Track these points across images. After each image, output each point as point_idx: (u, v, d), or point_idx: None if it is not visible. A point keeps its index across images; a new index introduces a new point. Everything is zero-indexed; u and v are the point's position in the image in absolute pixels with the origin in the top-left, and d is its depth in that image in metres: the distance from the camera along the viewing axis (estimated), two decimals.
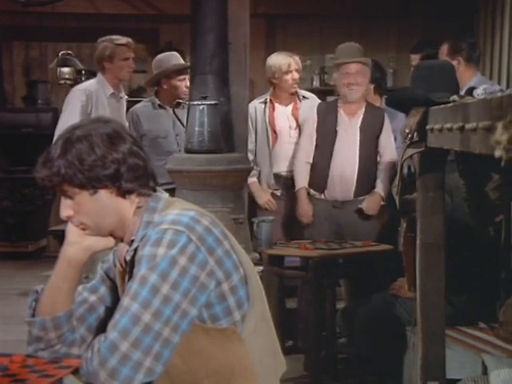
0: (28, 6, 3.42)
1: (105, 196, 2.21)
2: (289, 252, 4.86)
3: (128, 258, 2.23)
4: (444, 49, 4.76)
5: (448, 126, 2.69)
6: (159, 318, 2.08)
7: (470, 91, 3.22)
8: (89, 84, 5.57)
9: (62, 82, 8.29)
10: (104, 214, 2.24)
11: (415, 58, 5.46)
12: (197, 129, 4.25)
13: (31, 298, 2.34)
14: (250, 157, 5.47)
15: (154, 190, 2.29)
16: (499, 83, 6.09)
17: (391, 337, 4.36)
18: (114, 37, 5.28)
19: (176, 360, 2.15)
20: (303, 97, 5.77)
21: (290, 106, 5.71)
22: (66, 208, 2.23)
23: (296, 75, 5.61)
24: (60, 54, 8.35)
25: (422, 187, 3.36)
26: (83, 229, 2.24)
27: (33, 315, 2.29)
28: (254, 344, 2.26)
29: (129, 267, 2.23)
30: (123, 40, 5.29)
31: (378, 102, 5.93)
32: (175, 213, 2.20)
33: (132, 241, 2.24)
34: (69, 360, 2.22)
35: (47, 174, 2.19)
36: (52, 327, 2.26)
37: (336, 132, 5.21)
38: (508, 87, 5.73)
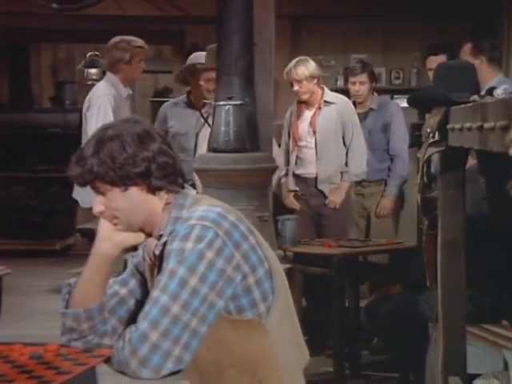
0: (61, 12, 3.46)
1: (135, 193, 2.27)
2: (313, 250, 4.92)
3: (157, 252, 2.29)
4: (467, 48, 4.76)
5: (467, 125, 2.72)
6: (187, 310, 2.14)
7: (491, 91, 3.23)
8: (106, 88, 5.50)
9: (89, 82, 8.36)
10: (134, 210, 2.29)
11: (433, 61, 5.34)
12: (223, 128, 4.28)
13: (64, 290, 2.40)
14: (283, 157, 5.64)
15: (183, 187, 2.34)
16: None
17: (414, 333, 4.37)
18: (128, 38, 5.32)
19: (203, 350, 2.19)
20: (326, 102, 5.71)
21: (312, 112, 5.73)
22: (98, 204, 2.29)
23: (296, 87, 5.63)
24: (87, 56, 8.44)
25: (443, 185, 3.37)
26: (115, 224, 2.30)
27: (66, 307, 2.34)
28: (278, 335, 2.30)
29: (158, 261, 2.29)
30: (139, 42, 5.34)
31: (374, 95, 6.10)
32: (203, 209, 2.25)
33: (161, 236, 2.29)
34: (101, 350, 2.26)
35: (80, 172, 2.26)
36: (85, 318, 2.31)
37: (197, 136, 5.25)
38: None
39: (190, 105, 5.62)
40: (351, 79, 6.11)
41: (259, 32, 4.59)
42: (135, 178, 2.25)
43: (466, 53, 4.70)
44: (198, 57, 5.58)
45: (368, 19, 7.90)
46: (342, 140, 5.66)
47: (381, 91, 8.03)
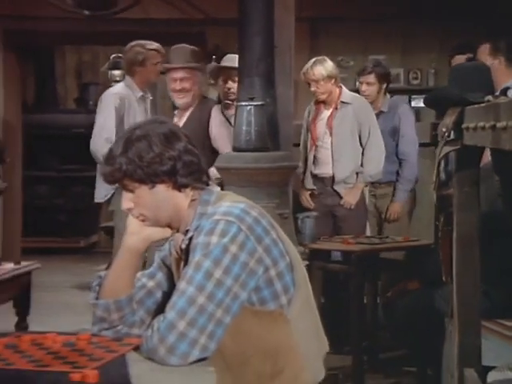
0: (92, 18, 3.52)
1: (162, 190, 2.32)
2: (332, 246, 4.95)
3: (183, 246, 2.34)
4: (485, 48, 4.76)
5: (481, 124, 2.74)
6: (212, 300, 2.19)
7: (505, 91, 3.27)
8: (120, 88, 5.64)
9: (113, 84, 8.43)
10: (161, 207, 2.34)
11: (459, 59, 5.37)
12: (244, 128, 4.31)
13: (95, 282, 2.45)
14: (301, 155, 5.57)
15: (207, 184, 2.39)
16: None
17: (430, 328, 4.38)
18: (144, 42, 5.40)
19: (227, 339, 2.24)
20: (342, 102, 5.61)
21: (330, 112, 5.65)
22: (127, 201, 2.35)
23: (313, 87, 5.51)
24: (111, 58, 8.52)
25: (458, 183, 3.37)
26: (142, 220, 2.35)
27: (97, 298, 2.40)
28: (299, 326, 2.34)
29: (184, 255, 2.34)
30: (154, 45, 5.42)
31: (386, 97, 5.99)
32: (227, 205, 2.30)
33: (187, 231, 2.34)
34: (130, 339, 2.31)
35: (110, 170, 2.32)
36: (114, 309, 2.36)
37: None
38: None
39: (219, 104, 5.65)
40: (359, 79, 6.05)
41: (280, 34, 4.61)
42: (162, 176, 2.30)
43: (483, 53, 4.68)
44: (230, 59, 5.55)
45: (386, 21, 7.88)
46: (358, 140, 5.60)
47: (399, 91, 8.04)
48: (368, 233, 5.80)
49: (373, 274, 5.07)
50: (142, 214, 2.35)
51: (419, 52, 8.10)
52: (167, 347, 2.17)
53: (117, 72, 8.46)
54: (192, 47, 5.14)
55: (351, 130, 5.57)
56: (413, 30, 8.02)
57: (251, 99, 4.33)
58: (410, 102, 8.21)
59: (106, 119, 5.25)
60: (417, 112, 7.72)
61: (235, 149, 4.34)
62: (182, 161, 2.32)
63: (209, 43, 8.24)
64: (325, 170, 5.58)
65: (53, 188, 10.01)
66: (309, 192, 5.67)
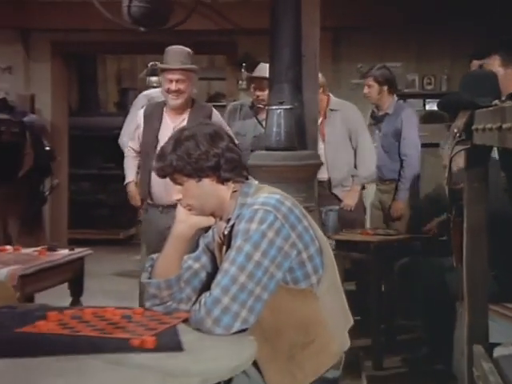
0: (147, 33, 3.59)
1: (207, 183, 2.42)
2: (353, 237, 4.98)
3: (226, 232, 2.44)
4: (495, 59, 4.78)
5: (489, 126, 2.82)
6: (252, 279, 2.27)
7: (511, 96, 3.34)
8: (153, 91, 5.70)
9: (150, 89, 8.53)
10: (207, 198, 2.44)
11: (475, 64, 5.16)
12: (275, 129, 4.28)
13: (148, 264, 2.56)
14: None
15: (247, 178, 2.49)
16: None
17: (443, 311, 4.37)
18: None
19: (265, 313, 2.31)
20: (331, 109, 5.44)
21: (320, 120, 5.31)
22: (176, 193, 2.45)
23: None
24: (149, 65, 8.61)
25: (468, 179, 3.40)
26: (189, 210, 2.45)
27: (149, 278, 2.50)
28: (327, 302, 2.42)
29: (226, 240, 2.43)
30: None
31: (391, 100, 5.82)
32: (264, 196, 2.40)
33: (229, 219, 2.44)
34: (178, 313, 2.45)
35: (162, 166, 2.43)
36: (165, 287, 2.47)
37: (157, 139, 4.64)
38: None
39: (251, 108, 5.60)
40: (364, 82, 5.93)
41: (306, 45, 4.56)
42: (207, 171, 2.40)
43: (494, 63, 4.73)
44: (261, 68, 5.48)
45: (402, 31, 7.85)
46: (350, 144, 5.45)
47: (414, 96, 8.02)
48: (368, 225, 5.82)
49: (389, 263, 5.03)
50: (189, 205, 2.45)
51: (433, 59, 8.04)
52: (213, 319, 2.24)
53: (154, 78, 8.49)
54: (187, 49, 4.78)
55: (342, 135, 5.44)
56: (427, 39, 7.96)
57: (281, 103, 4.31)
58: (424, 105, 8.21)
59: (132, 119, 5.23)
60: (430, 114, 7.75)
61: (266, 148, 4.32)
62: (224, 157, 2.40)
63: (239, 51, 8.24)
64: (320, 174, 5.17)
65: (95, 185, 10.13)
66: None
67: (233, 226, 2.40)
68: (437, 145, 6.16)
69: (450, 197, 3.71)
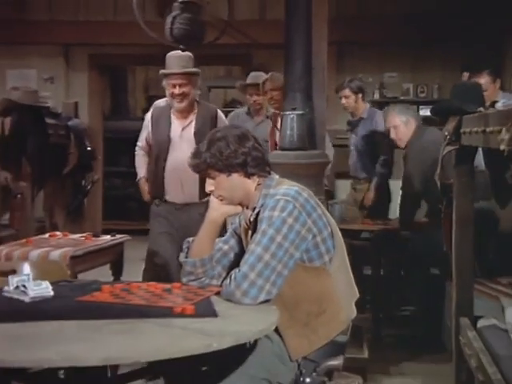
0: (185, 50, 3.61)
1: (236, 177, 2.49)
2: (356, 227, 5.03)
3: (251, 219, 2.50)
4: (485, 74, 4.75)
5: (475, 129, 2.93)
6: (275, 258, 2.33)
7: (493, 104, 3.44)
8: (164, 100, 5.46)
9: None
10: (235, 190, 2.51)
11: (465, 76, 5.15)
12: (288, 132, 4.28)
13: (185, 245, 2.63)
14: None
15: (269, 173, 2.55)
16: None
17: (435, 291, 4.55)
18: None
19: (285, 287, 2.37)
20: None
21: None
22: (209, 185, 2.53)
23: (270, 96, 5.20)
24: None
25: (457, 175, 3.52)
26: (221, 200, 2.53)
27: (186, 257, 2.59)
28: (337, 278, 2.48)
29: (252, 226, 2.49)
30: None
31: (365, 106, 5.77)
32: (285, 188, 2.46)
33: (254, 208, 2.50)
34: (211, 287, 2.53)
35: (197, 163, 2.51)
36: (199, 265, 2.56)
37: (170, 139, 4.37)
38: None
39: (248, 113, 5.55)
40: (339, 94, 5.81)
41: (315, 58, 4.55)
42: (236, 167, 2.47)
43: (484, 78, 4.71)
44: (253, 76, 5.52)
45: (399, 45, 7.85)
46: None
47: (409, 102, 7.90)
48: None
49: (388, 249, 5.05)
50: (220, 195, 2.53)
51: (425, 70, 8.05)
52: (242, 292, 2.31)
53: None
54: (188, 53, 4.39)
55: None
56: (420, 54, 7.94)
57: (294, 109, 4.31)
58: (418, 111, 8.21)
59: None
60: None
61: (281, 148, 4.32)
62: (251, 156, 2.47)
63: (254, 63, 8.22)
64: None
65: (125, 181, 10.14)
66: None
67: (257, 214, 2.45)
68: None
69: (442, 190, 3.80)
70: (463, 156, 3.49)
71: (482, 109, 3.21)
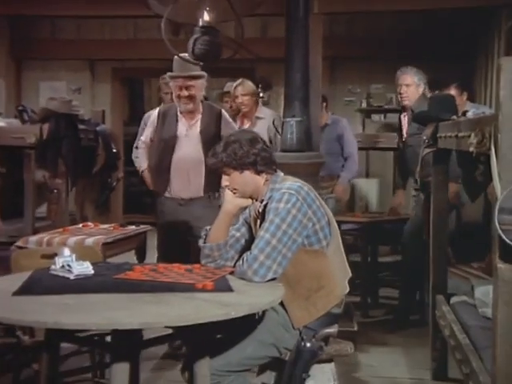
0: (204, 65, 3.60)
1: (247, 174, 2.56)
2: (347, 218, 5.05)
3: (260, 210, 2.57)
4: (454, 87, 4.89)
5: (449, 134, 3.07)
6: (280, 243, 2.40)
7: (465, 113, 3.53)
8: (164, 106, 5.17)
9: None
10: (247, 184, 2.58)
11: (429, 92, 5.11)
12: (288, 136, 4.28)
13: (203, 233, 2.69)
14: None
15: (276, 171, 2.63)
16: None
17: (416, 276, 4.58)
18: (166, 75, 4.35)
19: (289, 267, 2.44)
20: (257, 117, 5.05)
21: (247, 125, 5.05)
22: (225, 180, 2.60)
23: (240, 100, 5.02)
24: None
25: (434, 173, 3.62)
26: (234, 193, 2.59)
27: (204, 242, 2.66)
28: (334, 260, 2.55)
29: (261, 216, 2.55)
30: (165, 79, 4.51)
31: (329, 113, 5.66)
32: (289, 183, 2.54)
33: (262, 200, 2.56)
34: (226, 268, 2.60)
35: (215, 161, 2.58)
36: (216, 249, 2.62)
37: (176, 137, 4.06)
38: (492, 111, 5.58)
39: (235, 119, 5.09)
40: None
41: (312, 71, 4.54)
42: (248, 165, 2.55)
43: (452, 91, 4.81)
44: (229, 86, 5.36)
45: (383, 60, 7.81)
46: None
47: (392, 111, 7.92)
48: None
49: (375, 239, 5.11)
50: (234, 189, 2.59)
51: None
52: (252, 271, 2.39)
53: None
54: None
55: (268, 138, 5.02)
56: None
57: (293, 116, 4.32)
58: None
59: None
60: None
61: (282, 150, 4.31)
62: (260, 156, 2.55)
63: (256, 75, 8.25)
64: None
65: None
66: None
67: (265, 205, 2.51)
68: None
69: (421, 187, 3.92)
70: (439, 157, 3.59)
71: (455, 117, 3.28)
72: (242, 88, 5.12)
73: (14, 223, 4.24)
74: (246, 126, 5.00)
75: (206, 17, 2.94)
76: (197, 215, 3.89)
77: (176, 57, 3.83)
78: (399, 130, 4.95)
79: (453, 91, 4.75)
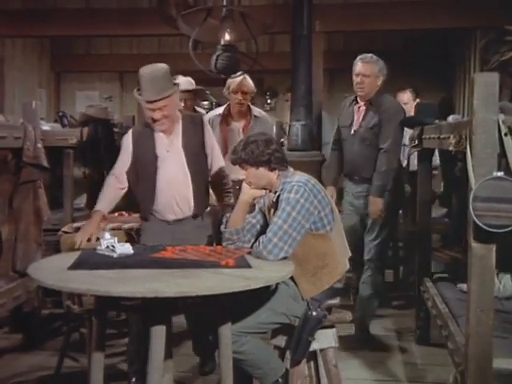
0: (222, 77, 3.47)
1: (262, 170, 2.60)
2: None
3: (274, 200, 2.61)
4: (407, 93, 4.81)
5: (432, 136, 3.17)
6: (291, 228, 2.46)
7: (445, 119, 3.59)
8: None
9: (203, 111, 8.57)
10: (261, 179, 2.62)
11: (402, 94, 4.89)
12: (294, 138, 4.36)
13: (224, 219, 2.75)
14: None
15: (287, 167, 2.65)
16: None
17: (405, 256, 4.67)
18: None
19: (298, 248, 2.49)
20: (255, 116, 3.97)
21: (242, 123, 3.97)
22: (242, 174, 2.65)
23: (242, 96, 3.88)
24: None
25: (420, 169, 3.72)
26: (250, 185, 2.65)
27: (225, 227, 2.72)
28: (336, 242, 2.59)
29: (274, 205, 2.59)
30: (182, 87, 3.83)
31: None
32: (298, 177, 2.58)
33: (275, 192, 2.60)
34: (244, 249, 2.66)
35: (235, 158, 2.63)
36: (235, 233, 2.68)
37: (157, 156, 3.09)
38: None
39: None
40: None
41: (314, 82, 4.67)
42: (263, 163, 2.58)
43: (408, 92, 4.83)
44: (184, 83, 3.91)
45: None
46: None
47: None
48: None
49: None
50: (250, 182, 2.63)
51: (394, 91, 8.06)
52: (267, 251, 2.45)
53: (205, 102, 8.65)
54: (163, 69, 2.98)
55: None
56: (390, 79, 8.02)
57: (298, 120, 4.39)
58: None
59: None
60: None
61: (289, 149, 4.34)
62: (274, 155, 2.59)
63: (264, 85, 8.27)
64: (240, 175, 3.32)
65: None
66: None
67: (278, 196, 2.55)
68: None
69: (408, 181, 3.98)
70: (424, 156, 3.69)
71: (437, 121, 3.31)
72: (246, 87, 3.99)
73: (55, 213, 4.36)
74: (242, 123, 3.97)
75: (227, 37, 3.03)
76: (187, 236, 3.03)
77: (143, 73, 2.92)
78: (350, 122, 3.85)
79: (408, 94, 4.75)
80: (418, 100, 4.73)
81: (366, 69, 3.75)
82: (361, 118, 3.79)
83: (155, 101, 2.92)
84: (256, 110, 4.04)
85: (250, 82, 3.92)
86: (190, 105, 4.04)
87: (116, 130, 4.98)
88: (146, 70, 2.92)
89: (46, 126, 4.54)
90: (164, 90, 2.91)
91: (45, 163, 3.78)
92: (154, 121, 3.01)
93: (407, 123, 3.77)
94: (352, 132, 3.81)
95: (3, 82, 7.24)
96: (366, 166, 3.70)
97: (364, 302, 3.80)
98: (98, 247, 2.66)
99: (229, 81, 3.85)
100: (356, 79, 3.79)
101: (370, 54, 3.78)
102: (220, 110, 3.96)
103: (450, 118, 3.42)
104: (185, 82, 3.89)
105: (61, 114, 4.89)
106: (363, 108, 3.81)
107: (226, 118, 3.96)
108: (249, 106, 3.99)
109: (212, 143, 3.16)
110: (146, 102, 2.93)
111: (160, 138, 3.10)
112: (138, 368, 3.04)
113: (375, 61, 3.77)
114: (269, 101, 8.90)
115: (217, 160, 3.16)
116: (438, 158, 4.21)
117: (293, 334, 2.49)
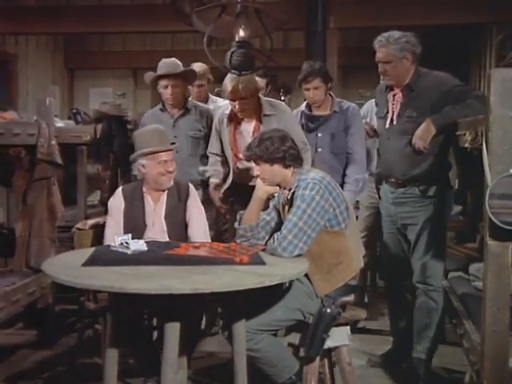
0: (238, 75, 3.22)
1: (277, 167, 2.61)
2: None
3: (288, 197, 2.62)
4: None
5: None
6: (306, 225, 2.47)
7: None
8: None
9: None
10: (275, 175, 2.63)
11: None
12: None
13: (238, 216, 2.78)
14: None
15: (301, 165, 2.67)
16: None
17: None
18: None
19: (313, 245, 2.51)
20: (264, 115, 3.43)
21: (253, 124, 3.48)
22: (256, 171, 2.68)
23: (240, 103, 3.35)
24: (215, 91, 8.79)
25: None
26: (264, 181, 2.66)
27: (239, 224, 2.75)
28: (351, 239, 2.60)
29: (289, 202, 2.61)
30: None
31: (335, 101, 4.37)
32: (313, 174, 2.59)
33: (290, 189, 2.61)
34: (258, 246, 2.68)
35: (250, 154, 2.65)
36: (249, 230, 2.71)
37: (145, 225, 3.02)
38: None
39: (164, 110, 3.82)
40: (304, 86, 3.74)
41: None
42: (277, 160, 2.59)
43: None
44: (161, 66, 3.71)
45: None
46: None
47: None
48: None
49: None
50: (264, 178, 2.64)
51: None
52: (282, 248, 2.46)
53: (219, 99, 8.69)
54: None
55: None
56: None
57: None
58: None
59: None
60: None
61: None
62: (288, 152, 2.60)
63: (278, 81, 8.25)
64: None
65: None
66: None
67: (293, 193, 2.57)
68: None
69: None
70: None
71: None
72: (244, 91, 3.39)
73: (68, 210, 4.39)
74: (252, 124, 3.48)
75: (242, 33, 3.05)
76: None
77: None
78: (385, 112, 3.26)
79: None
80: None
81: (384, 54, 3.11)
82: (398, 107, 3.15)
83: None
84: (267, 107, 3.44)
85: (247, 83, 3.30)
86: (202, 91, 4.33)
87: (130, 126, 5.01)
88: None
89: (59, 123, 4.58)
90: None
91: (59, 160, 3.82)
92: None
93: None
94: (387, 125, 3.18)
95: (17, 79, 7.31)
96: (406, 164, 3.05)
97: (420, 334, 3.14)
98: (112, 244, 2.67)
99: (224, 83, 3.36)
100: (379, 68, 3.17)
101: (388, 33, 3.11)
102: (228, 108, 3.47)
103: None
104: (171, 64, 3.69)
105: (74, 110, 4.93)
106: (399, 95, 3.16)
107: (233, 119, 3.47)
108: (259, 100, 3.44)
109: (192, 214, 3.05)
110: (158, 160, 2.96)
111: (149, 204, 3.05)
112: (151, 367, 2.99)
113: (394, 41, 3.10)
114: (282, 98, 8.86)
115: (196, 232, 3.03)
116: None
117: (307, 331, 2.50)
